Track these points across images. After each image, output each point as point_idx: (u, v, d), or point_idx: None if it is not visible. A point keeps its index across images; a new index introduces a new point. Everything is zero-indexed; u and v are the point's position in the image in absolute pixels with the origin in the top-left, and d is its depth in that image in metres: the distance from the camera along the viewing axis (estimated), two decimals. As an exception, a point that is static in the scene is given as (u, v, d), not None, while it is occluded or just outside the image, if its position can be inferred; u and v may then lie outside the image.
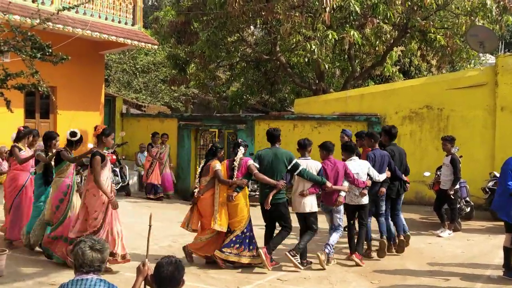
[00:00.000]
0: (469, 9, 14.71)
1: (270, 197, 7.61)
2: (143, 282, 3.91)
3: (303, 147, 8.03)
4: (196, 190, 7.88)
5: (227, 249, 7.62)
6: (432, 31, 15.24)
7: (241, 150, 7.91)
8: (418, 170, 11.86)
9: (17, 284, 6.75)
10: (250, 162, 7.77)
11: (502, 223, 7.65)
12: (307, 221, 7.83)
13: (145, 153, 16.38)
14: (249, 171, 7.71)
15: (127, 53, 24.27)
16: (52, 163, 8.03)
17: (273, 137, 8.02)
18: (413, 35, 15.86)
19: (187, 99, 24.39)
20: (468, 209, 11.49)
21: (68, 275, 3.74)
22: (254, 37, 21.37)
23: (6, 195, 8.65)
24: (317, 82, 17.90)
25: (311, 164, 7.81)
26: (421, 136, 13.81)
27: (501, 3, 14.50)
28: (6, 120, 11.92)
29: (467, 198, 11.43)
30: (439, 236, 10.12)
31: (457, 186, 10.31)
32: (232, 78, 20.95)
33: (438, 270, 7.87)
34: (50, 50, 7.35)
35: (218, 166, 7.78)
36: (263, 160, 7.82)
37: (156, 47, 17.88)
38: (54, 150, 8.01)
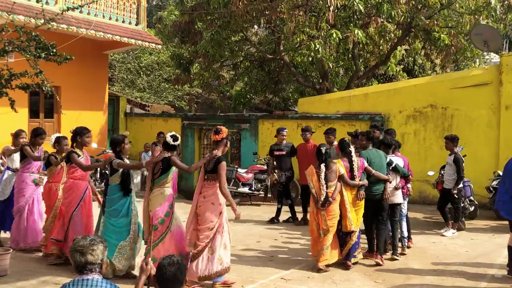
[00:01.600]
0: (473, 8, 14.68)
1: (388, 190, 8.14)
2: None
3: (388, 146, 8.73)
4: (323, 196, 7.62)
5: (356, 252, 7.95)
6: (436, 30, 15.21)
7: (352, 150, 8.13)
8: (422, 169, 11.85)
9: (21, 283, 6.77)
10: (365, 163, 8.09)
11: (507, 222, 7.65)
12: (395, 211, 8.44)
13: (150, 153, 16.40)
14: (366, 171, 8.03)
15: (131, 52, 24.32)
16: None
17: (371, 139, 8.64)
18: (417, 34, 15.84)
19: (190, 99, 24.44)
20: (472, 208, 11.46)
21: (72, 275, 3.74)
22: (258, 36, 21.38)
23: (63, 207, 7.74)
24: (321, 81, 17.89)
25: (396, 160, 8.61)
26: (425, 135, 13.78)
27: (506, 2, 14.47)
28: (10, 120, 11.96)
29: (471, 197, 11.39)
30: (443, 236, 10.09)
31: (461, 185, 10.28)
32: (236, 77, 20.96)
33: (442, 269, 7.86)
34: (54, 50, 7.37)
35: (342, 170, 7.83)
36: (372, 159, 8.22)
37: (160, 46, 17.92)
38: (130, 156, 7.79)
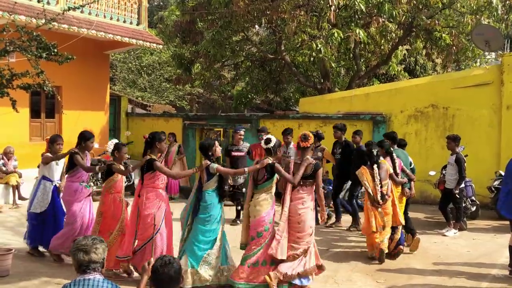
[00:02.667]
0: (474, 7, 14.66)
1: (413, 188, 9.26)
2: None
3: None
4: (379, 195, 8.00)
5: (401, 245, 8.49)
6: (438, 30, 15.19)
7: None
8: (424, 169, 11.84)
9: (23, 283, 6.78)
10: (401, 163, 8.95)
11: (508, 222, 7.64)
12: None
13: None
14: (402, 170, 8.87)
15: (132, 52, 24.32)
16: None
17: (395, 139, 9.55)
18: (419, 34, 15.82)
19: (192, 99, 24.45)
20: (474, 208, 11.45)
21: (73, 275, 3.74)
22: (259, 36, 21.37)
23: (130, 220, 7.14)
24: (322, 81, 17.89)
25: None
26: (427, 135, 13.77)
27: (507, 1, 14.46)
28: (11, 120, 11.98)
29: (473, 197, 11.39)
30: (445, 235, 10.09)
31: (463, 185, 10.28)
32: (237, 77, 20.96)
33: (443, 269, 7.85)
34: (56, 50, 7.37)
35: (391, 169, 8.44)
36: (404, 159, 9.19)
37: (161, 46, 17.91)
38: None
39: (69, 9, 8.25)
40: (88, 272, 3.64)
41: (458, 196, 10.16)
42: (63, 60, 7.55)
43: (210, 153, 6.75)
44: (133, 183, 15.03)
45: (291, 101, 23.48)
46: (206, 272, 6.50)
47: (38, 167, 8.40)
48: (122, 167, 7.35)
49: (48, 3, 13.22)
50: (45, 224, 7.87)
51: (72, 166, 7.66)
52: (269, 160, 6.61)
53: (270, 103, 23.42)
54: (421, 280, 7.28)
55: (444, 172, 10.86)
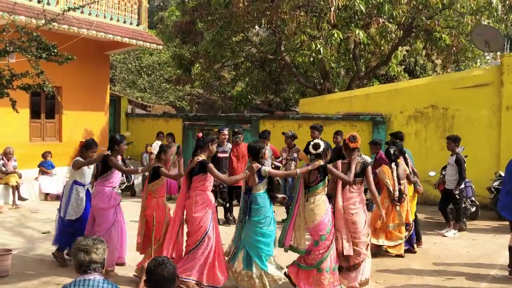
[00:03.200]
0: (474, 8, 14.65)
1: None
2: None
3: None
4: (397, 192, 8.33)
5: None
6: (437, 31, 15.20)
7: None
8: (423, 169, 11.82)
9: (23, 283, 6.78)
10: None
11: (507, 222, 7.64)
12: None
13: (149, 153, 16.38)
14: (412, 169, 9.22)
15: (132, 53, 24.33)
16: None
17: (402, 139, 9.86)
18: (418, 34, 15.82)
19: (191, 99, 24.45)
20: (474, 209, 11.46)
21: (73, 275, 3.75)
22: (259, 37, 21.40)
23: (175, 223, 6.88)
24: (322, 81, 17.89)
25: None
26: (426, 135, 13.77)
27: (507, 2, 14.46)
28: (11, 120, 11.99)
29: (473, 198, 11.39)
30: (444, 236, 10.09)
31: (462, 186, 10.28)
32: (237, 78, 20.96)
33: (443, 269, 7.86)
34: (56, 51, 7.38)
35: (408, 169, 8.78)
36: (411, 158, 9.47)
37: (161, 47, 17.90)
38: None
39: (69, 9, 8.25)
40: (89, 273, 3.64)
41: (458, 197, 10.16)
42: (63, 60, 7.55)
43: (260, 156, 6.71)
44: (133, 183, 15.05)
45: (291, 102, 23.49)
46: (275, 272, 6.56)
47: (73, 167, 7.78)
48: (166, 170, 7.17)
49: (48, 3, 13.23)
50: (78, 232, 7.40)
51: (105, 170, 7.30)
52: (321, 162, 6.59)
53: (270, 104, 23.43)
54: (420, 280, 7.29)
55: (444, 172, 10.87)
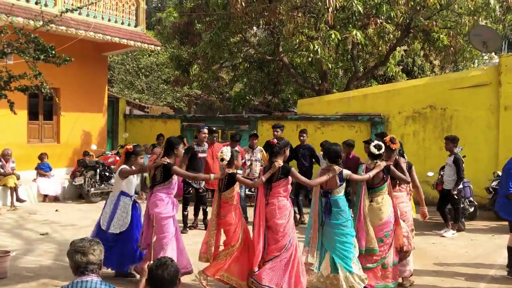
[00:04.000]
0: (472, 8, 14.67)
1: None
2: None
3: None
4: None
5: None
6: (435, 31, 15.20)
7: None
8: (422, 170, 11.82)
9: (21, 285, 6.77)
10: None
11: (506, 222, 7.65)
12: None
13: (149, 155, 16.36)
14: None
15: (130, 54, 24.31)
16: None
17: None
18: (416, 35, 15.83)
19: (190, 100, 24.43)
20: (472, 209, 11.46)
21: (71, 277, 3.73)
22: (257, 37, 21.38)
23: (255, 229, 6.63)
24: (320, 82, 17.90)
25: None
26: (425, 136, 13.78)
27: (505, 2, 14.47)
28: (9, 122, 11.97)
29: (471, 198, 11.40)
30: (443, 236, 10.11)
31: (461, 186, 10.29)
32: (235, 78, 20.95)
33: (441, 270, 7.86)
34: (53, 52, 7.36)
35: None
36: None
37: (159, 48, 17.89)
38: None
39: (67, 11, 8.23)
40: (86, 274, 3.63)
41: (456, 197, 10.17)
42: (61, 62, 7.53)
43: (339, 159, 6.77)
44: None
45: (289, 103, 23.47)
46: (360, 272, 6.54)
47: (120, 175, 7.26)
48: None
49: (45, 5, 13.20)
50: (117, 242, 7.09)
51: (167, 178, 6.83)
52: (384, 163, 6.88)
53: (268, 105, 23.40)
54: (419, 280, 7.28)
55: (442, 173, 10.88)
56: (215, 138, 10.97)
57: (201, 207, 10.77)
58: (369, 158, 7.02)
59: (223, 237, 6.90)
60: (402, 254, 6.98)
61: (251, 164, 11.09)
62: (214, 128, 11.04)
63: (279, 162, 6.58)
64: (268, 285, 6.31)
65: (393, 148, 7.16)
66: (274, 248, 6.49)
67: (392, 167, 6.93)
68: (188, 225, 10.56)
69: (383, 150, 6.89)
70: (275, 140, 6.93)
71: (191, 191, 10.57)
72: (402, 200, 7.24)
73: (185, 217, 10.40)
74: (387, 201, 6.84)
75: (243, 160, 10.67)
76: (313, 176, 9.80)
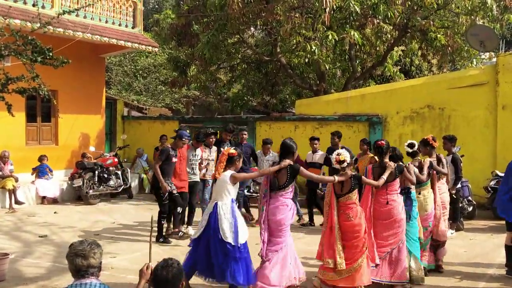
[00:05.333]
0: (469, 8, 14.69)
1: None
2: (146, 286, 3.91)
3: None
4: None
5: None
6: (433, 31, 15.22)
7: None
8: (420, 169, 11.84)
9: (20, 287, 6.76)
10: None
11: (504, 222, 7.65)
12: None
13: (144, 157, 16.37)
14: None
15: (127, 55, 24.29)
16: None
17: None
18: (414, 34, 15.85)
19: (188, 101, 24.41)
20: (470, 209, 11.48)
21: (70, 279, 3.73)
22: (255, 38, 21.36)
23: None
24: (318, 82, 17.91)
25: None
26: (423, 135, 13.60)
27: (502, 2, 14.49)
28: (7, 124, 11.96)
29: (469, 197, 11.42)
30: (442, 236, 10.10)
31: (459, 186, 10.29)
32: (233, 79, 20.94)
33: (440, 269, 7.86)
34: (51, 54, 7.35)
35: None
36: None
37: (156, 49, 17.89)
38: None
39: (64, 12, 8.22)
40: (86, 277, 3.63)
41: (454, 196, 10.16)
42: (59, 64, 7.52)
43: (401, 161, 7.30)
44: (130, 186, 15.02)
45: (287, 103, 23.46)
46: (424, 264, 7.39)
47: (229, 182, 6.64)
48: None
49: (43, 7, 13.19)
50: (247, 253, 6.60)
51: (291, 181, 6.62)
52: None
53: (266, 105, 23.39)
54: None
55: (440, 172, 10.86)
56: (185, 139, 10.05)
57: (180, 209, 9.67)
58: (376, 156, 7.51)
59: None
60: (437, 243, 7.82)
61: (208, 164, 10.51)
62: (188, 131, 11.02)
63: (391, 163, 7.01)
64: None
65: (435, 146, 8.28)
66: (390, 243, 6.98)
67: (434, 165, 7.87)
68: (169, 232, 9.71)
69: (416, 147, 7.72)
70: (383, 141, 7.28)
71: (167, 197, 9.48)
72: (444, 190, 8.27)
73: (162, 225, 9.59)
74: (430, 195, 7.66)
75: (200, 160, 10.38)
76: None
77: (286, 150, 6.64)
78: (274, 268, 6.38)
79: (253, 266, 6.53)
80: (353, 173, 6.69)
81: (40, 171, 13.63)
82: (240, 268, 6.31)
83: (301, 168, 6.67)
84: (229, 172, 6.57)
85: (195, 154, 10.21)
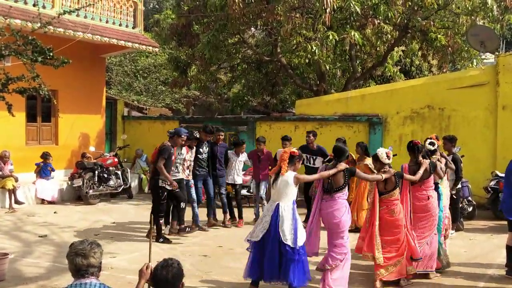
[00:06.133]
0: (469, 8, 14.69)
1: None
2: (146, 285, 3.91)
3: None
4: None
5: None
6: (433, 31, 15.22)
7: None
8: (420, 170, 11.84)
9: (20, 287, 6.76)
10: None
11: (505, 222, 7.66)
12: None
13: (143, 158, 16.38)
14: None
15: (127, 55, 24.30)
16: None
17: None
18: (414, 35, 15.85)
19: (188, 101, 24.42)
20: (470, 209, 11.48)
21: (70, 279, 3.73)
22: (255, 38, 21.36)
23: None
24: (318, 83, 17.90)
25: None
26: (423, 136, 13.69)
27: (502, 2, 14.49)
28: (8, 124, 11.96)
29: (469, 198, 11.42)
30: (442, 236, 10.10)
31: (459, 186, 10.30)
32: (233, 80, 20.94)
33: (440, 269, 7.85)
34: (51, 54, 7.35)
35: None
36: None
37: (157, 49, 17.90)
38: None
39: (64, 12, 8.22)
40: (86, 277, 3.63)
41: (454, 197, 10.16)
42: (59, 64, 7.52)
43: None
44: (130, 186, 15.03)
45: (288, 103, 23.47)
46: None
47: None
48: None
49: (43, 7, 13.19)
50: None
51: (348, 183, 6.78)
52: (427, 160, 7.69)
53: (266, 105, 23.40)
54: (417, 279, 7.28)
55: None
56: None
57: (183, 204, 9.73)
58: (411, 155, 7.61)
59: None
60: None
61: (190, 165, 10.43)
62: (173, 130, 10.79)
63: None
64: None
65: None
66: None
67: (438, 164, 7.85)
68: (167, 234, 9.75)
69: (436, 146, 8.00)
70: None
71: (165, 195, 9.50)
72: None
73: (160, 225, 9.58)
74: (446, 190, 8.21)
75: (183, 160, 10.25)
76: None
77: (340, 153, 6.83)
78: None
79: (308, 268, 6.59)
80: (396, 171, 7.08)
81: (43, 169, 13.62)
82: (296, 270, 6.31)
83: (357, 170, 7.17)
84: (292, 173, 6.48)
85: (181, 153, 10.08)
